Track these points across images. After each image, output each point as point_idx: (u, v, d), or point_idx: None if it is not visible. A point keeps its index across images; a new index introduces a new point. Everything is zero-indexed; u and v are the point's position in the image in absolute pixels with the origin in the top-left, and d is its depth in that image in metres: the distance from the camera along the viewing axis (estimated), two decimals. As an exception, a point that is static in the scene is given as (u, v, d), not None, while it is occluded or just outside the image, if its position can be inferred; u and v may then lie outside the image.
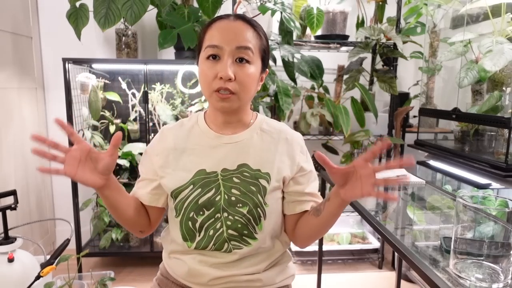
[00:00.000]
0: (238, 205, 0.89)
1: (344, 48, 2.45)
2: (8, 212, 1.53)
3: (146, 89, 2.13)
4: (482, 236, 0.89)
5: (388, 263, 2.48)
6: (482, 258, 0.89)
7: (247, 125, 0.95)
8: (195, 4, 2.15)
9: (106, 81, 2.29)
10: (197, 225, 0.90)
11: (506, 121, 1.46)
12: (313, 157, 0.86)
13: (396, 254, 2.00)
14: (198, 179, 0.89)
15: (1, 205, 1.53)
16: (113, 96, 2.26)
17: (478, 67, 1.54)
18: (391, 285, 2.25)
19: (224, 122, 0.93)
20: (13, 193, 1.57)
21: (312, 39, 2.41)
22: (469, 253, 0.90)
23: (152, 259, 2.35)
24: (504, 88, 1.64)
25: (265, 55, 0.91)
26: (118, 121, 2.29)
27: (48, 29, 2.42)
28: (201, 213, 0.89)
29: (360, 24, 2.48)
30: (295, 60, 2.23)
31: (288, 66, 2.20)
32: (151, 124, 2.21)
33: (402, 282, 2.11)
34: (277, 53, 2.18)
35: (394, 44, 2.30)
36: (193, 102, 2.22)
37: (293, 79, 2.26)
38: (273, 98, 2.27)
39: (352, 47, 2.33)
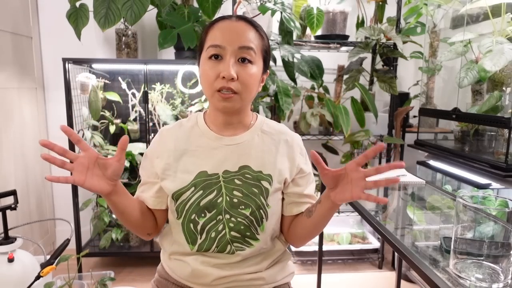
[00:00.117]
0: (240, 207, 0.89)
1: (344, 48, 2.45)
2: (8, 212, 1.53)
3: (146, 89, 2.13)
4: (482, 236, 0.89)
5: (388, 263, 2.48)
6: (482, 258, 0.89)
7: (247, 126, 0.95)
8: (195, 4, 2.15)
9: (106, 81, 2.29)
10: (199, 227, 0.90)
11: (506, 121, 1.46)
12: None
13: (396, 254, 2.00)
14: (199, 181, 0.89)
15: (1, 205, 1.53)
16: (113, 96, 2.26)
17: (478, 67, 1.54)
18: (391, 285, 2.25)
19: (225, 123, 0.92)
20: (13, 193, 1.57)
21: (312, 39, 2.41)
22: (469, 253, 0.90)
23: (152, 259, 2.35)
24: (504, 88, 1.64)
25: (267, 55, 0.92)
26: (118, 121, 2.29)
27: (48, 29, 2.42)
28: (202, 215, 0.89)
29: (360, 24, 2.48)
30: (295, 60, 2.23)
31: (288, 66, 2.20)
32: (151, 124, 2.21)
33: (402, 282, 2.11)
34: (277, 53, 2.18)
35: (394, 44, 2.30)
36: (193, 102, 2.22)
37: (293, 79, 2.26)
38: (273, 98, 2.27)
39: (352, 47, 2.33)
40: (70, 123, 2.06)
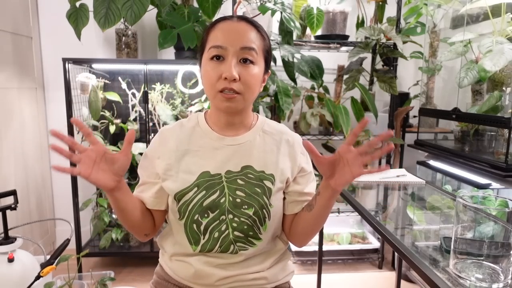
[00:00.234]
0: (243, 207, 0.89)
1: (344, 48, 2.45)
2: (8, 212, 1.53)
3: (146, 89, 2.13)
4: (482, 236, 0.89)
5: (388, 263, 2.48)
6: (482, 258, 0.89)
7: (249, 126, 0.95)
8: (195, 4, 2.15)
9: (106, 81, 2.29)
10: (202, 227, 0.90)
11: (506, 121, 1.46)
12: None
13: (396, 254, 2.00)
14: (202, 181, 0.89)
15: (1, 205, 1.53)
16: (113, 96, 2.26)
17: (478, 67, 1.54)
18: (391, 285, 2.25)
19: (227, 123, 0.92)
20: (13, 193, 1.57)
21: (312, 39, 2.41)
22: (469, 253, 0.90)
23: (152, 259, 2.34)
24: (504, 88, 1.64)
25: (268, 55, 0.92)
26: (118, 121, 2.29)
27: (48, 29, 2.42)
28: (205, 215, 0.89)
29: (360, 24, 2.48)
30: (295, 60, 2.22)
31: (288, 66, 2.20)
32: (151, 124, 2.21)
33: (402, 282, 2.11)
34: (277, 53, 2.18)
35: (394, 44, 2.30)
36: (193, 102, 2.22)
37: (293, 79, 2.26)
38: (273, 98, 2.27)
39: (352, 47, 2.33)
40: (70, 123, 2.07)
